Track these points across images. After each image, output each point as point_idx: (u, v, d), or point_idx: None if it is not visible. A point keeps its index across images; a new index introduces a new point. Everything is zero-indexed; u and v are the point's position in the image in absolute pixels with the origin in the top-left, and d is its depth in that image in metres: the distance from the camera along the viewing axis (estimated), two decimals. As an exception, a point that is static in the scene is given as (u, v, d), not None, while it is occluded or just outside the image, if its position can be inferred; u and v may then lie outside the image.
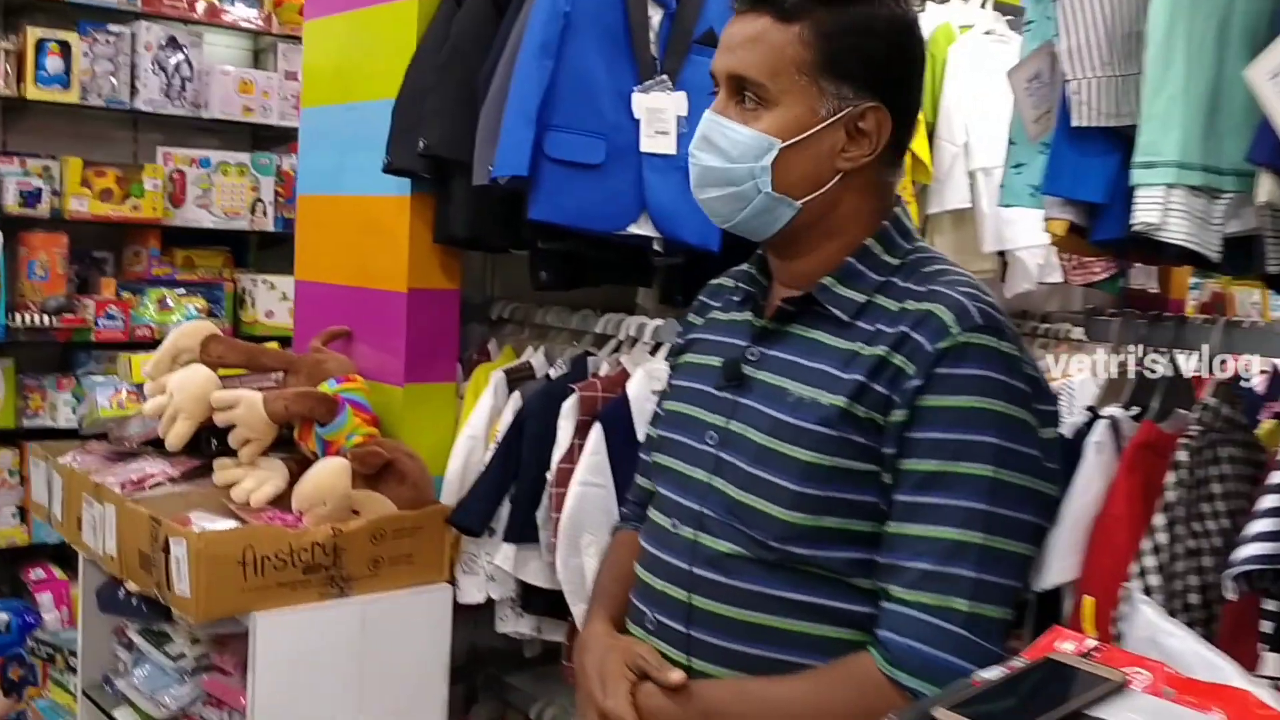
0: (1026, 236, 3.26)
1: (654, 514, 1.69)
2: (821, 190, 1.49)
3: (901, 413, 1.39)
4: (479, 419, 2.79)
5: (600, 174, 2.47)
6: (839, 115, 1.46)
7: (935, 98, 3.24)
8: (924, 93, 1.69)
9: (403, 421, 2.81)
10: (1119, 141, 1.65)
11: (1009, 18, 3.44)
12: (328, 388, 2.68)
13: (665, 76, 2.50)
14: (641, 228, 2.51)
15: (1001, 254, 3.37)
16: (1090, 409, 1.81)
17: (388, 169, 2.72)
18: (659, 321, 2.69)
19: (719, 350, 1.64)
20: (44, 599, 4.33)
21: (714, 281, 1.81)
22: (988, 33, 3.33)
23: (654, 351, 2.70)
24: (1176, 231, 1.56)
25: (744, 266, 1.71)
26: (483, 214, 2.66)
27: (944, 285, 1.45)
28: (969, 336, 1.38)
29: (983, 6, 3.39)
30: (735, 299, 1.70)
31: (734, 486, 1.50)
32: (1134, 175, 1.58)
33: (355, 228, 2.95)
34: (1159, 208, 1.56)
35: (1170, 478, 1.62)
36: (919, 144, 3.13)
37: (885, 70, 1.48)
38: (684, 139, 2.52)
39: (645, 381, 2.61)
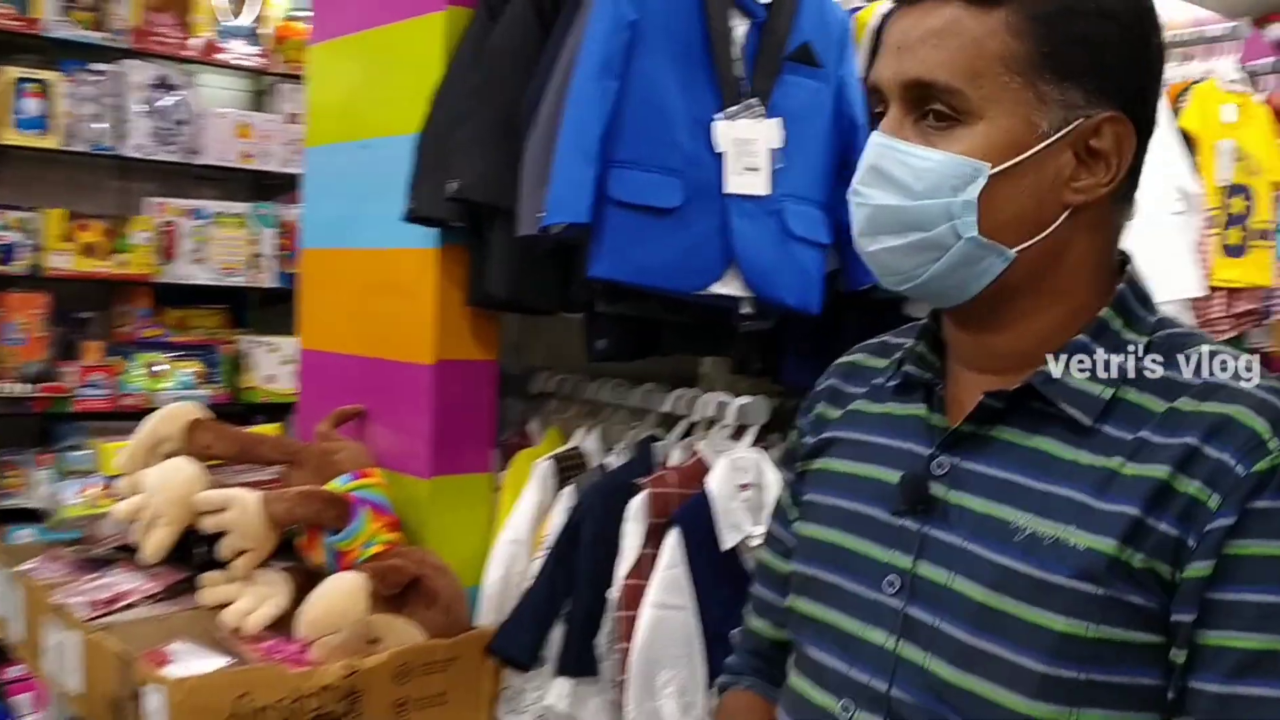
0: (1157, 291, 2.77)
1: (801, 683, 1.25)
2: (1043, 234, 1.10)
3: (1204, 564, 1.01)
4: (522, 519, 2.31)
5: (677, 220, 1.99)
6: (1067, 130, 1.08)
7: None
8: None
9: (429, 523, 2.32)
10: None
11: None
12: (339, 485, 2.20)
13: (755, 100, 2.03)
14: (728, 286, 2.03)
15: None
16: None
17: (411, 217, 2.25)
18: (745, 400, 2.21)
19: (883, 458, 1.22)
20: (22, 700, 3.94)
21: (847, 358, 1.38)
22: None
23: (736, 435, 2.22)
24: None
25: (903, 340, 1.29)
26: (527, 270, 2.19)
27: (1234, 379, 1.07)
28: None
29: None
30: (891, 385, 1.27)
31: (943, 662, 1.10)
32: None
33: (371, 287, 2.48)
34: None
35: None
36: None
37: (1124, 66, 1.10)
38: (779, 176, 2.04)
39: (729, 475, 2.13)
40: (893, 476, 1.19)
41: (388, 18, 2.43)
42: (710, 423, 2.26)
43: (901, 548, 1.15)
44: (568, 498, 2.26)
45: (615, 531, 2.15)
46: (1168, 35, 3.34)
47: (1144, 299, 1.16)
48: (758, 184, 2.01)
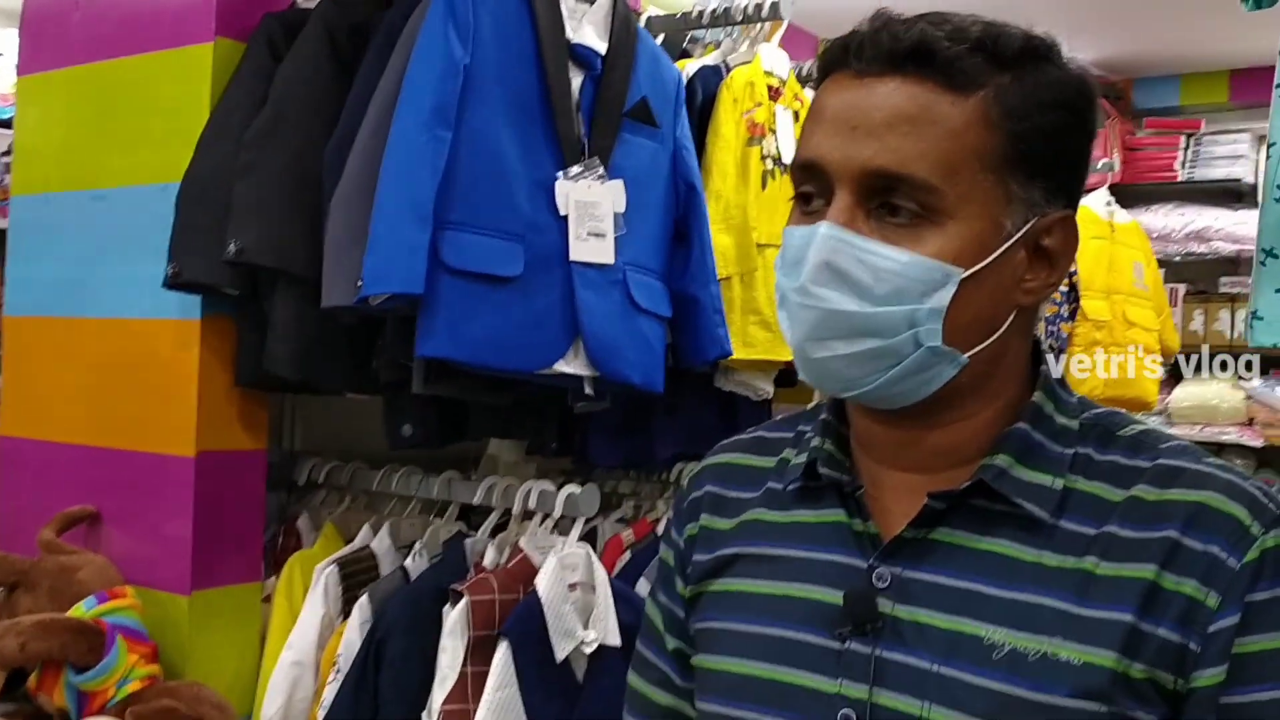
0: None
1: None
2: (994, 337, 1.00)
3: (1215, 670, 0.92)
4: (305, 636, 1.97)
5: (517, 290, 1.76)
6: (1025, 230, 0.98)
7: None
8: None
9: (191, 647, 1.95)
10: None
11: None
12: (84, 611, 1.78)
13: (597, 159, 1.83)
14: (571, 364, 1.80)
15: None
16: None
17: (173, 282, 1.89)
18: (573, 489, 1.98)
19: (807, 574, 1.05)
20: None
21: (718, 459, 1.18)
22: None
23: (559, 529, 1.99)
24: None
25: (783, 434, 1.15)
26: (319, 346, 1.88)
27: (1184, 458, 0.99)
28: (1277, 537, 0.94)
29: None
30: (792, 489, 1.10)
31: None
32: None
33: (108, 364, 2.08)
34: None
35: None
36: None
37: (1077, 162, 1.01)
38: (621, 243, 1.85)
39: (559, 576, 1.89)
40: (825, 595, 1.03)
41: (137, 47, 2.05)
42: (528, 515, 2.02)
43: (851, 676, 0.99)
44: (362, 610, 1.94)
45: (428, 648, 1.87)
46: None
47: (1062, 382, 1.07)
48: (604, 251, 1.81)
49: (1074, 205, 1.01)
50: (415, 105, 1.71)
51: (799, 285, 0.96)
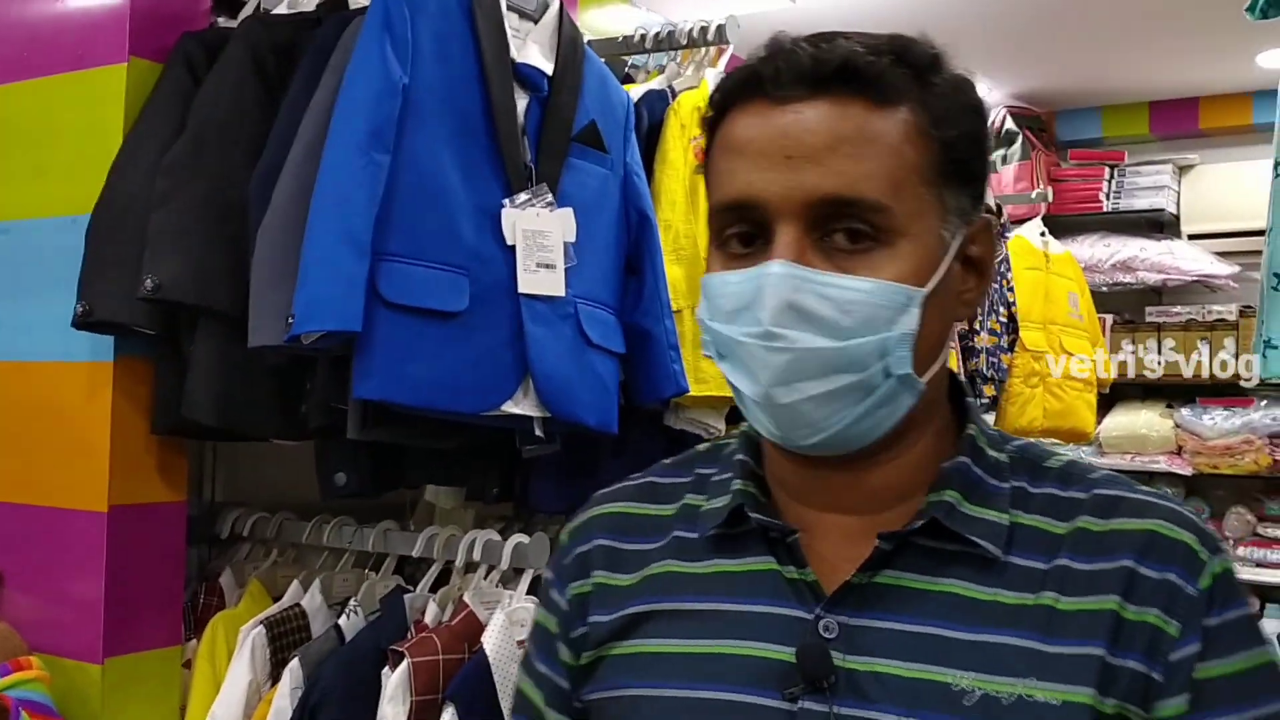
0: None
1: None
2: (942, 358, 0.98)
3: (1179, 700, 0.91)
4: (230, 705, 1.83)
5: (461, 326, 1.63)
6: (962, 240, 0.96)
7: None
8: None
9: (104, 717, 1.77)
10: None
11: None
12: (-16, 684, 1.62)
13: (545, 186, 1.72)
14: (520, 405, 1.68)
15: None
16: None
17: (82, 322, 1.73)
18: (520, 539, 1.85)
19: (741, 629, 0.96)
20: None
21: (607, 509, 1.08)
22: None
23: (505, 581, 1.86)
24: None
25: (675, 479, 1.07)
26: (243, 390, 1.74)
27: (1118, 488, 0.98)
28: (1221, 562, 0.94)
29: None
30: (708, 536, 1.01)
31: None
32: None
33: (9, 411, 1.91)
34: None
35: None
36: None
37: (986, 164, 0.99)
38: (571, 275, 1.74)
39: (508, 632, 1.77)
40: (766, 651, 0.95)
41: (41, 69, 1.91)
42: (470, 568, 1.88)
43: None
44: (293, 674, 1.80)
45: (366, 715, 1.72)
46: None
47: (977, 410, 1.03)
48: (554, 284, 1.69)
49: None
50: (350, 128, 1.58)
51: (761, 331, 0.90)
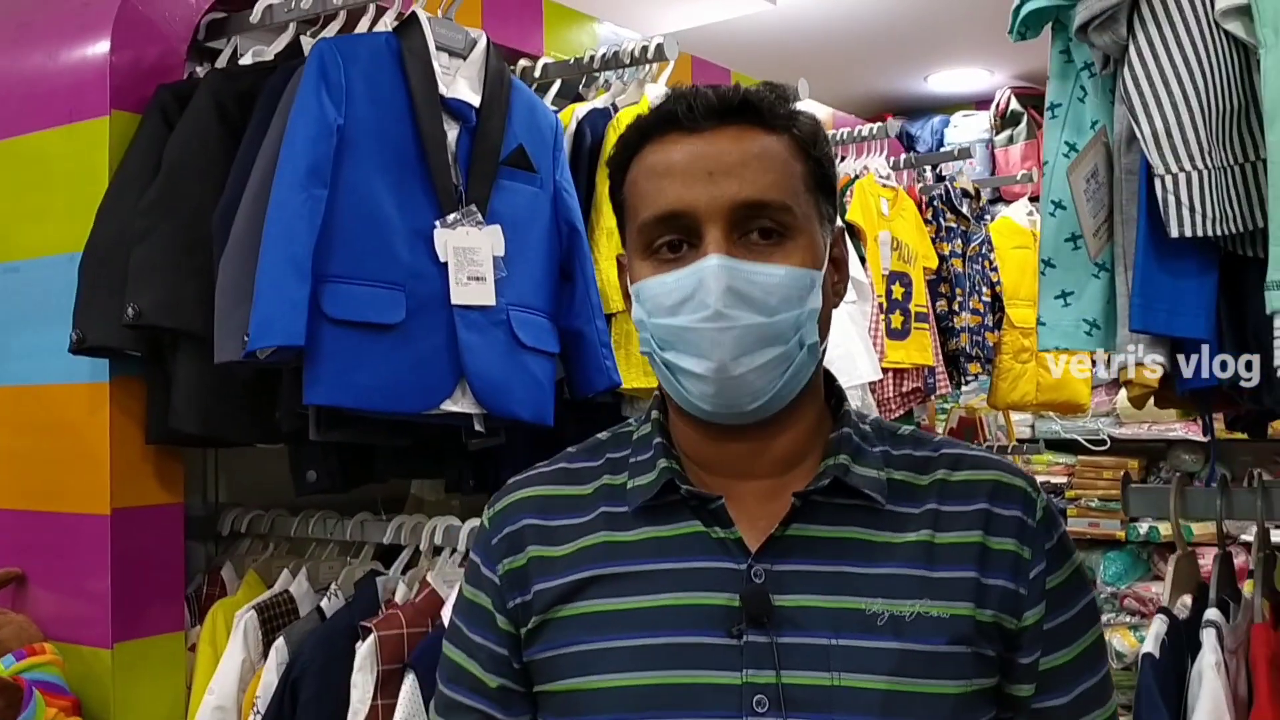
0: (843, 378, 2.84)
1: None
2: (827, 337, 1.21)
3: (1039, 608, 1.17)
4: (226, 681, 2.04)
5: (400, 336, 1.84)
6: (831, 240, 1.20)
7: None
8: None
9: (115, 697, 2.01)
10: (1214, 255, 1.23)
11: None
12: (3, 668, 1.86)
13: (474, 207, 1.92)
14: (459, 404, 1.89)
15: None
16: (1165, 611, 1.34)
17: (78, 347, 1.97)
18: (476, 522, 2.05)
19: (684, 582, 1.15)
20: None
21: (530, 492, 1.24)
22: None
23: (464, 563, 2.05)
24: (1342, 375, 1.13)
25: (589, 463, 1.24)
26: (221, 399, 1.96)
27: (957, 447, 1.24)
28: (1043, 499, 1.21)
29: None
30: (634, 508, 1.19)
31: None
32: (1273, 299, 1.15)
33: (25, 429, 2.15)
34: (1312, 343, 1.12)
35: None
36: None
37: (837, 181, 1.25)
38: (503, 285, 1.94)
39: (465, 607, 1.95)
40: (709, 599, 1.13)
41: (37, 124, 2.14)
42: (437, 550, 2.09)
43: (756, 665, 1.10)
44: (278, 652, 2.01)
45: (341, 685, 1.93)
46: (838, 134, 3.53)
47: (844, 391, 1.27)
48: (485, 294, 1.89)
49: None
50: (291, 166, 1.79)
51: (710, 313, 1.10)
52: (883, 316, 3.29)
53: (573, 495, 1.22)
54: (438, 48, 1.97)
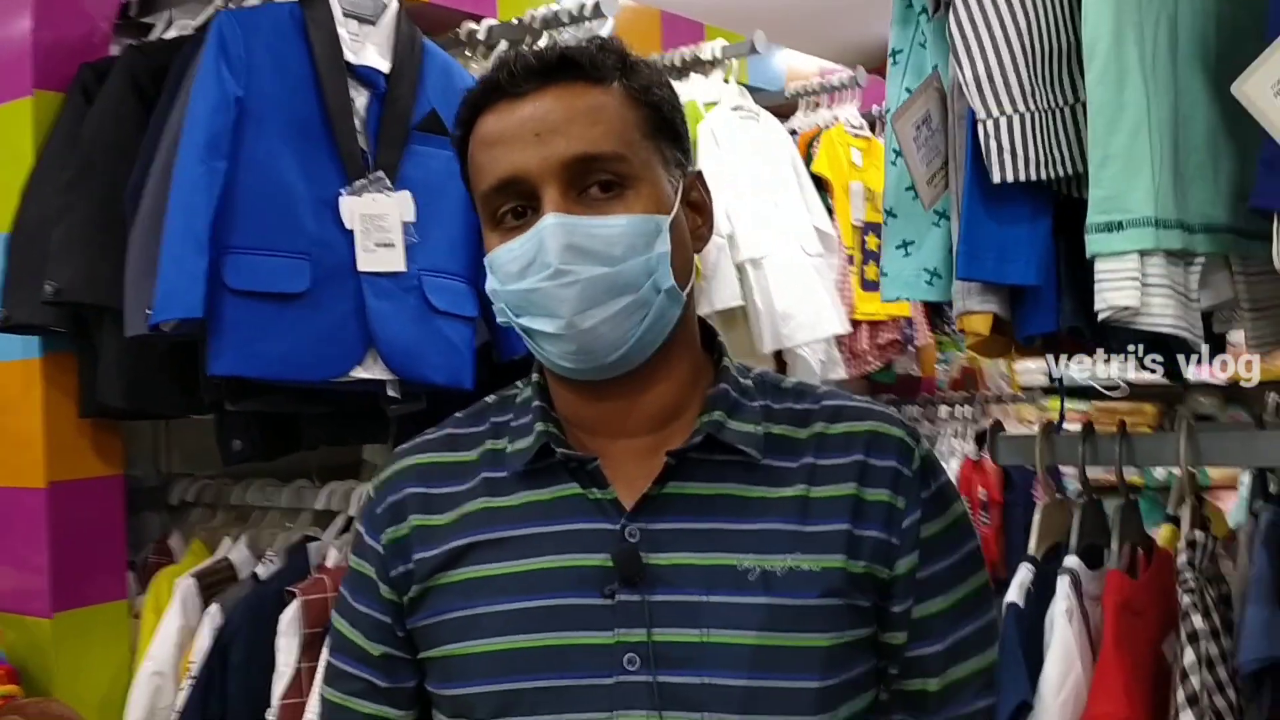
0: (806, 332, 2.87)
1: None
2: (691, 281, 1.18)
3: (911, 557, 1.17)
4: (164, 647, 2.09)
5: (306, 305, 1.85)
6: (682, 186, 1.18)
7: (687, 185, 2.79)
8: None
9: (57, 665, 2.06)
10: (1046, 200, 1.21)
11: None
12: (-62, 639, 1.91)
13: (381, 173, 1.92)
14: (369, 370, 1.90)
15: (779, 353, 2.94)
16: (1031, 559, 1.33)
17: (3, 326, 2.00)
18: (401, 489, 2.07)
19: (558, 545, 1.15)
20: None
21: (412, 461, 1.24)
22: (735, 108, 2.93)
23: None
24: (1162, 315, 1.12)
25: (471, 430, 1.24)
26: (144, 372, 1.99)
27: (839, 399, 1.23)
28: (922, 448, 1.20)
29: (726, 80, 2.99)
30: (514, 473, 1.19)
31: (724, 714, 1.12)
32: (1093, 243, 1.13)
33: (-34, 407, 2.20)
34: (1134, 285, 1.11)
35: (1188, 656, 1.16)
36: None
37: (686, 129, 1.21)
38: (415, 250, 1.94)
39: (391, 571, 1.98)
40: (583, 560, 1.14)
41: (-39, 107, 2.17)
42: (368, 517, 2.11)
43: (627, 624, 1.11)
44: (212, 617, 2.05)
45: (269, 648, 1.97)
46: (798, 85, 3.48)
47: (725, 346, 1.25)
48: (394, 260, 1.90)
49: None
50: (191, 139, 1.81)
51: (550, 271, 1.09)
52: (855, 269, 3.26)
53: (456, 462, 1.23)
54: (345, 14, 1.97)
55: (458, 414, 1.28)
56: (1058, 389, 5.36)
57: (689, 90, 2.88)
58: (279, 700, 1.92)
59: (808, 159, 3.20)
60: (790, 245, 2.89)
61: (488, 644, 1.15)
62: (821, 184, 3.20)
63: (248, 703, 1.96)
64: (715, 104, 2.90)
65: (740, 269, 2.79)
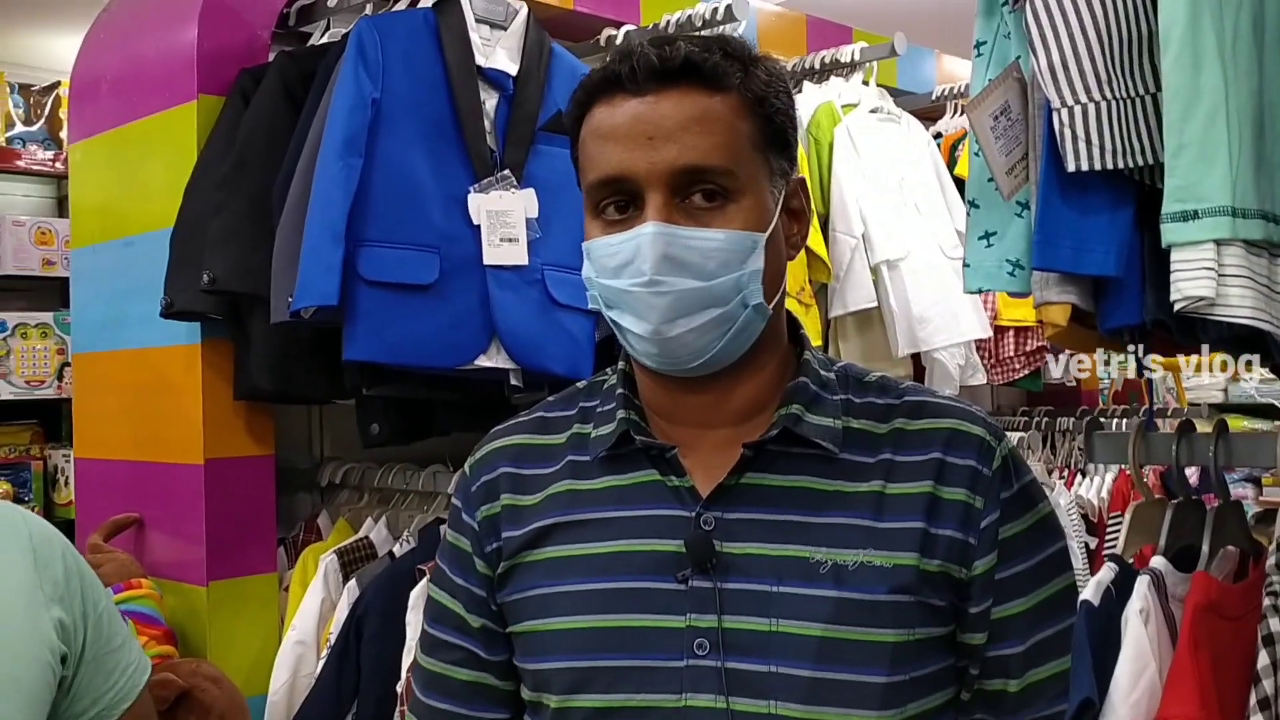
0: (943, 336, 2.84)
1: None
2: (782, 289, 1.23)
3: (990, 558, 1.18)
4: (307, 618, 2.21)
5: (434, 296, 1.96)
6: (784, 195, 1.21)
7: (825, 186, 2.82)
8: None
9: (210, 631, 2.21)
10: (1128, 189, 1.20)
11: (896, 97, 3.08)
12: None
13: (508, 172, 2.01)
14: (493, 359, 1.99)
15: (916, 357, 2.92)
16: (1115, 558, 1.32)
17: (168, 312, 2.17)
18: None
19: (636, 530, 1.20)
20: None
21: (505, 442, 1.31)
22: (874, 110, 2.93)
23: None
24: (1240, 306, 1.11)
25: (563, 413, 1.31)
26: (292, 358, 2.12)
27: (922, 394, 1.25)
28: (1005, 446, 1.21)
29: (865, 83, 2.99)
30: (599, 458, 1.24)
31: (790, 703, 1.14)
32: (1168, 232, 1.12)
33: (139, 388, 2.38)
34: (1209, 275, 1.10)
35: (1263, 659, 1.14)
36: (815, 239, 2.68)
37: (795, 134, 1.24)
38: (537, 246, 2.02)
39: (514, 553, 2.06)
40: (659, 545, 1.18)
41: (142, 111, 2.35)
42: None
43: (699, 610, 1.15)
44: (350, 592, 2.17)
45: (400, 623, 2.07)
46: (944, 88, 3.44)
47: (809, 340, 1.28)
48: (517, 255, 1.99)
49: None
50: (331, 138, 1.93)
51: (645, 280, 1.13)
52: (1003, 272, 3.20)
53: (545, 445, 1.29)
54: (478, 20, 2.07)
55: (550, 397, 1.35)
56: (1232, 406, 5.13)
57: (827, 93, 2.89)
58: (407, 671, 2.01)
59: (952, 161, 3.17)
60: (929, 247, 2.87)
61: (565, 622, 1.21)
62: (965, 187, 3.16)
63: (379, 673, 2.06)
64: (854, 106, 2.91)
65: (875, 270, 2.79)
